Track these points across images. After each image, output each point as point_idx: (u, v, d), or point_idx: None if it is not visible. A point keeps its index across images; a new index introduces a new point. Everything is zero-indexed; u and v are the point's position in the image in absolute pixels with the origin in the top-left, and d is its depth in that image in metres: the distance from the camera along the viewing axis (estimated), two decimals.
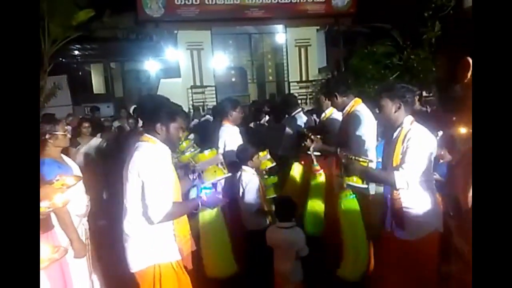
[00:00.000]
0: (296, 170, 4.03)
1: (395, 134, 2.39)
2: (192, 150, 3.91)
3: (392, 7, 11.23)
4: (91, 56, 16.64)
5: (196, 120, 8.15)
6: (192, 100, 12.58)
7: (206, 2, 12.12)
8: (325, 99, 3.77)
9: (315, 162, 3.45)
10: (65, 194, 2.12)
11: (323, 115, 3.95)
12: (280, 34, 14.10)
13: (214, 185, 3.12)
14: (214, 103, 12.07)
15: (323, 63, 14.14)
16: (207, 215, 3.03)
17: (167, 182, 2.13)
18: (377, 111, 2.50)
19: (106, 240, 3.10)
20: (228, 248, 3.08)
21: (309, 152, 3.41)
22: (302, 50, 13.49)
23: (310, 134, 3.45)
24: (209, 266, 3.03)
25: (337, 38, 13.40)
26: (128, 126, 6.90)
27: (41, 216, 2.05)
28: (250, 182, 3.21)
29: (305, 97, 12.80)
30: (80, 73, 17.34)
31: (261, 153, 3.53)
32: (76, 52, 15.99)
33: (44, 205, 2.05)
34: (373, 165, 2.67)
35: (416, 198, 2.30)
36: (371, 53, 10.32)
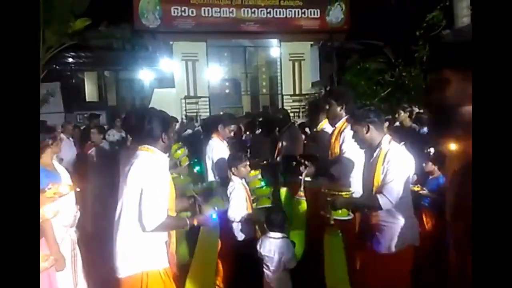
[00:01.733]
0: (283, 196, 4.07)
1: (374, 154, 2.50)
2: (187, 163, 3.92)
3: (385, 25, 11.49)
4: (85, 64, 16.62)
5: (189, 130, 8.16)
6: (186, 110, 12.61)
7: (202, 14, 12.26)
8: (320, 113, 3.75)
9: (302, 188, 3.42)
10: (56, 203, 2.11)
11: (315, 129, 3.94)
12: (275, 48, 14.27)
13: None
14: (207, 114, 12.13)
15: (316, 77, 14.32)
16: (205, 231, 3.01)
17: (165, 192, 2.18)
18: (353, 139, 2.64)
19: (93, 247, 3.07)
20: (215, 263, 3.09)
21: (300, 177, 3.38)
22: (296, 64, 13.67)
23: (303, 160, 3.41)
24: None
25: (331, 53, 13.61)
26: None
27: None
28: (234, 190, 3.23)
29: (298, 110, 12.92)
30: (73, 81, 17.28)
31: (252, 172, 3.58)
32: (70, 60, 15.96)
33: None
34: (356, 194, 2.72)
35: (394, 214, 2.40)
36: (363, 69, 10.52)
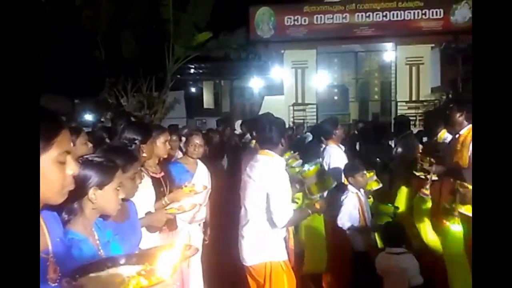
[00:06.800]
0: (403, 195, 3.87)
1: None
2: (295, 164, 3.97)
3: None
4: (204, 74, 18.21)
5: (298, 136, 8.29)
6: (293, 117, 12.83)
7: (315, 22, 12.33)
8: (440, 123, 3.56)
9: (427, 186, 3.21)
10: (192, 198, 2.38)
11: (434, 139, 3.73)
12: (389, 52, 13.57)
13: None
14: (314, 121, 12.13)
15: (436, 82, 13.08)
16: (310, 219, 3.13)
17: (288, 191, 2.35)
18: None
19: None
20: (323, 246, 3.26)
21: (428, 176, 3.17)
22: (414, 68, 12.71)
23: (428, 157, 3.22)
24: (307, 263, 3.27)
25: (455, 56, 12.28)
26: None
27: (171, 216, 2.32)
28: (346, 198, 3.23)
29: (414, 118, 11.96)
30: (194, 90, 19.10)
31: (367, 174, 3.48)
32: (192, 71, 17.67)
33: (174, 207, 2.30)
34: None
35: None
36: None
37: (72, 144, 0.98)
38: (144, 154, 2.19)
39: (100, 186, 1.38)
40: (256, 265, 2.38)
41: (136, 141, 2.18)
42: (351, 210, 3.21)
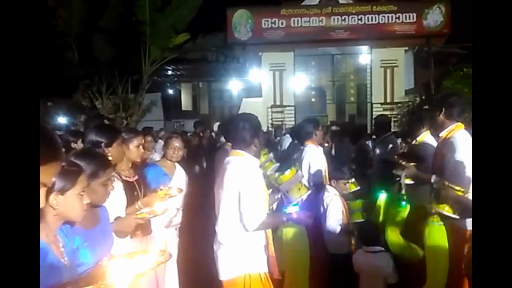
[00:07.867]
0: (382, 200, 3.89)
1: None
2: (272, 169, 3.96)
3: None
4: (182, 76, 18.04)
5: (278, 138, 8.33)
6: (272, 119, 12.89)
7: (292, 24, 12.44)
8: (421, 125, 3.56)
9: (403, 191, 3.20)
10: (165, 202, 2.31)
11: (414, 141, 3.73)
12: (364, 55, 13.84)
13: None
14: (293, 122, 12.22)
15: (410, 85, 13.45)
16: (291, 232, 3.08)
17: (261, 192, 2.23)
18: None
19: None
20: (307, 269, 3.10)
21: (398, 179, 3.19)
22: (388, 71, 13.03)
23: (401, 160, 3.21)
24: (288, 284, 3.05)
25: (428, 59, 12.65)
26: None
27: (141, 221, 2.24)
28: (331, 202, 3.19)
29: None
30: (171, 92, 18.88)
31: (351, 185, 3.46)
32: (170, 72, 17.46)
33: (145, 211, 2.24)
34: (469, 196, 2.37)
35: None
36: (467, 76, 9.52)
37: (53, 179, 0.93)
38: (110, 158, 2.06)
39: (62, 191, 1.32)
40: (233, 279, 2.17)
41: (101, 144, 2.09)
42: (338, 214, 3.17)
